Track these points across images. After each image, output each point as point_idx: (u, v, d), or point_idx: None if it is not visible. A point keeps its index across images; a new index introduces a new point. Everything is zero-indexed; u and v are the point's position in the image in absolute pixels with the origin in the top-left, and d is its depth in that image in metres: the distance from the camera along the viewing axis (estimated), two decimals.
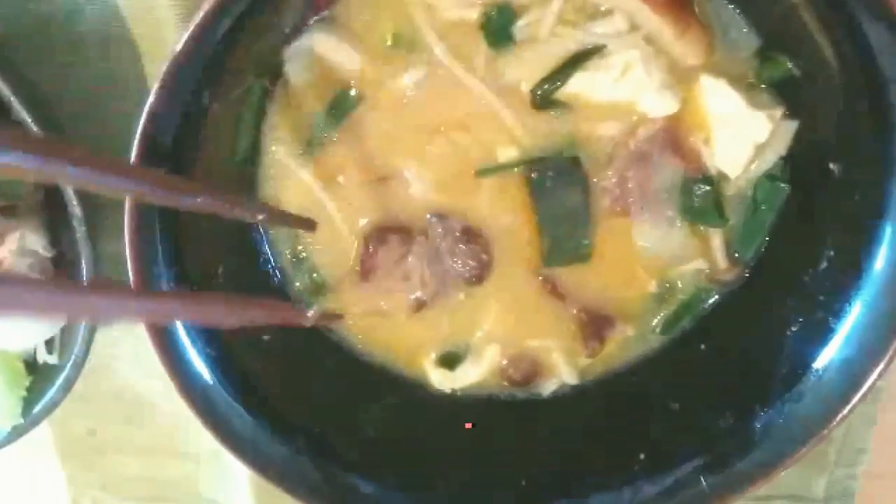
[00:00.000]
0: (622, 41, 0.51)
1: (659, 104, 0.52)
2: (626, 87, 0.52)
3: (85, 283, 0.28)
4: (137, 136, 0.42)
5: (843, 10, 0.43)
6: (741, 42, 0.52)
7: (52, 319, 0.24)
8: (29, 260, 0.60)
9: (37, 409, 0.60)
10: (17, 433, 0.61)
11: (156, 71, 0.47)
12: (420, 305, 0.57)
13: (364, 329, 0.59)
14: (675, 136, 0.54)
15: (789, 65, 0.52)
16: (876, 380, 0.48)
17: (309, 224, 0.54)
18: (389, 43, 0.53)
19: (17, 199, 0.60)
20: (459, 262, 0.56)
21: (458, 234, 0.55)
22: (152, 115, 0.42)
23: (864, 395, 0.48)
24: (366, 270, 0.57)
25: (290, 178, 0.55)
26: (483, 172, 0.54)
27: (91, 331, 0.58)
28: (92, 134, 0.59)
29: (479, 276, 0.56)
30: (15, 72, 0.56)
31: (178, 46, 0.41)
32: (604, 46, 0.51)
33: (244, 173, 0.55)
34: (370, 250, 0.56)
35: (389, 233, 0.56)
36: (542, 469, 0.55)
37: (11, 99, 0.52)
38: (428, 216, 0.55)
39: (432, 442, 0.56)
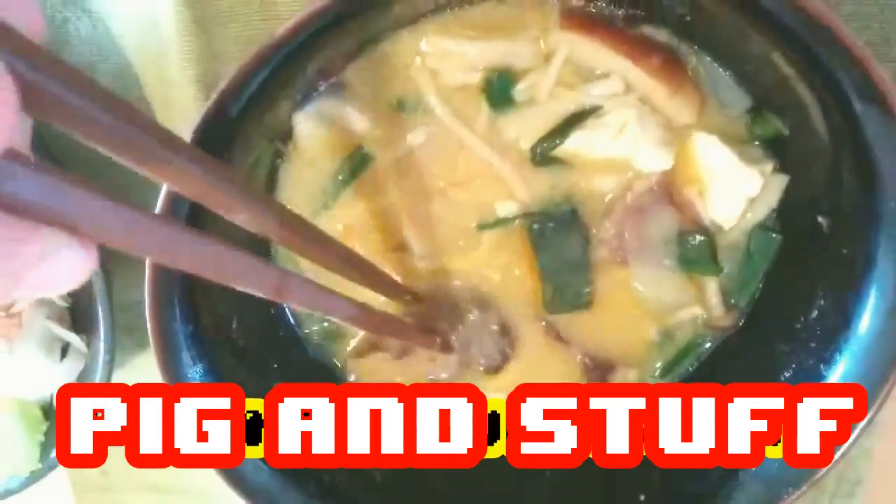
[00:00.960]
0: (618, 102, 0.53)
1: (654, 160, 0.54)
2: (623, 144, 0.53)
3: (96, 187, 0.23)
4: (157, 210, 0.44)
5: (831, 84, 0.44)
6: (732, 101, 0.54)
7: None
8: (46, 310, 0.61)
9: (54, 454, 0.62)
10: (35, 478, 0.63)
11: None
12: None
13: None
14: (670, 190, 0.55)
15: (779, 124, 0.53)
16: (865, 426, 0.49)
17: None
18: (395, 106, 0.54)
19: None
20: (486, 350, 0.58)
21: (492, 328, 0.58)
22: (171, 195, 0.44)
23: (856, 440, 0.50)
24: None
25: None
26: (483, 226, 0.56)
27: (107, 379, 0.60)
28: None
29: (497, 368, 0.58)
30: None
31: (194, 127, 0.42)
32: (600, 107, 0.53)
33: (258, 239, 0.56)
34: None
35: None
36: None
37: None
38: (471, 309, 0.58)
39: (438, 487, 0.57)
